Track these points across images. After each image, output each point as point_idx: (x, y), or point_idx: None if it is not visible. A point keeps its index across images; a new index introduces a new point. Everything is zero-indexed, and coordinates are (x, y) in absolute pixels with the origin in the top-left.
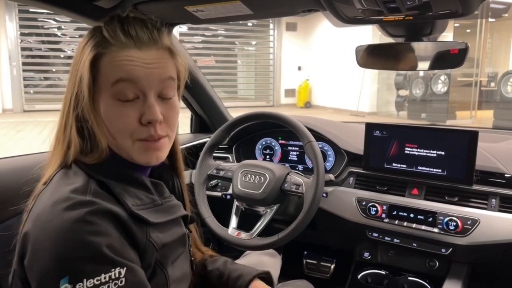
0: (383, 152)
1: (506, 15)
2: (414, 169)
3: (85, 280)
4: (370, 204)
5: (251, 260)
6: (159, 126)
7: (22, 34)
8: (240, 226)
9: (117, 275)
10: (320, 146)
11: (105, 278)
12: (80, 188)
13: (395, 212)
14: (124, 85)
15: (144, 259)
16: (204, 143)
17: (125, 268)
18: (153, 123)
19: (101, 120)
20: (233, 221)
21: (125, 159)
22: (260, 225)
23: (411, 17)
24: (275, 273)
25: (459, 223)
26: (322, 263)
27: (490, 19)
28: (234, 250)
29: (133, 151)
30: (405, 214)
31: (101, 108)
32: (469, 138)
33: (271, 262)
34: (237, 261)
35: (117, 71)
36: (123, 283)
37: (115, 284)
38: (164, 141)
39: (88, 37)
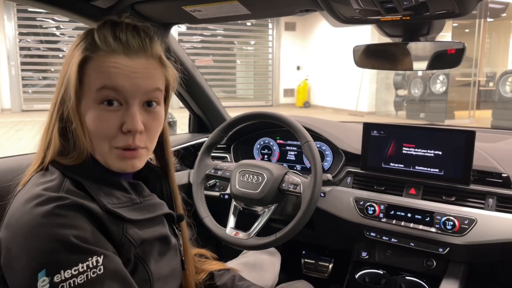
0: (381, 152)
1: (505, 15)
2: (411, 169)
3: (62, 271)
4: (368, 203)
5: (250, 259)
6: (139, 136)
7: (20, 34)
8: (238, 226)
9: (94, 264)
10: (318, 146)
11: (82, 267)
12: (53, 186)
13: (392, 212)
14: (108, 92)
15: (121, 254)
16: (202, 143)
17: (102, 256)
18: (132, 132)
19: (84, 122)
20: (231, 221)
21: (101, 164)
22: (258, 225)
23: (408, 17)
24: (275, 271)
25: (456, 222)
26: (320, 263)
27: (488, 19)
28: (232, 249)
29: (109, 158)
30: (402, 213)
31: (84, 111)
32: (466, 138)
33: (270, 260)
34: (236, 259)
35: (103, 78)
36: (101, 271)
37: (93, 273)
38: (141, 151)
39: (79, 40)
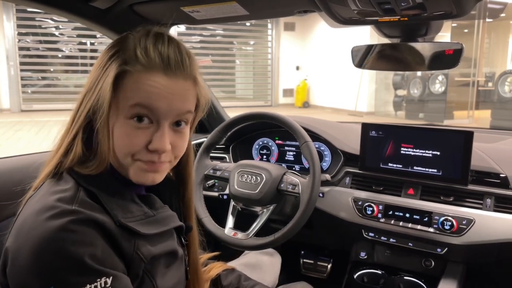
0: (379, 152)
1: (504, 15)
2: (410, 169)
3: None
4: (366, 204)
5: (250, 260)
6: (164, 154)
7: (19, 34)
8: (237, 226)
9: (102, 285)
10: (316, 146)
11: None
12: (67, 197)
13: (391, 212)
14: (141, 109)
15: (130, 270)
16: (201, 143)
17: (111, 278)
18: (159, 152)
19: (111, 134)
20: (230, 221)
21: (118, 174)
22: (256, 225)
23: (406, 18)
24: (275, 272)
25: (455, 223)
26: (319, 263)
27: (487, 19)
28: (231, 250)
29: (131, 169)
30: (401, 214)
31: (112, 124)
32: (465, 138)
33: (270, 261)
34: (236, 260)
35: (139, 95)
36: None
37: None
38: (165, 165)
39: (114, 48)
